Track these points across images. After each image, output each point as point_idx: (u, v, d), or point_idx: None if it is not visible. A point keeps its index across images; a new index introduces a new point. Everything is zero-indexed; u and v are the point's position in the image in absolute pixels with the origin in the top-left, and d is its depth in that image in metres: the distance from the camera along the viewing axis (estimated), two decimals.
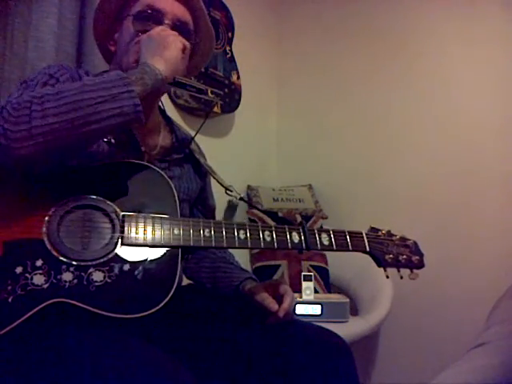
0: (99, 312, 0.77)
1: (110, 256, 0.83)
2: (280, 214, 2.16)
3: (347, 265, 2.13)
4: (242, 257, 2.08)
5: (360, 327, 1.76)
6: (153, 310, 0.80)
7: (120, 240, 0.84)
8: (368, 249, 1.02)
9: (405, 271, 1.07)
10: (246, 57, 2.29)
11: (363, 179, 2.29)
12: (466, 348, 0.82)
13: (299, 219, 2.17)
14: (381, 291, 1.92)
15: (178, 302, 1.02)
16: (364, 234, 1.04)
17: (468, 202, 1.99)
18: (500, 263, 1.87)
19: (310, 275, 1.82)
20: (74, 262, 0.80)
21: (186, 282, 1.19)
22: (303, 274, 1.83)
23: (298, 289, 1.84)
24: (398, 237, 1.09)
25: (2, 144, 0.75)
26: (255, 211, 2.12)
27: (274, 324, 0.98)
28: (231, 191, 1.13)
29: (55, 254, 0.80)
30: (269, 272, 2.00)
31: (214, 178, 1.14)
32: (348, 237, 1.01)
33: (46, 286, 0.77)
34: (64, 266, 0.79)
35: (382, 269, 1.04)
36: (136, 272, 0.83)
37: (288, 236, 0.96)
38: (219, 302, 1.08)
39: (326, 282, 2.05)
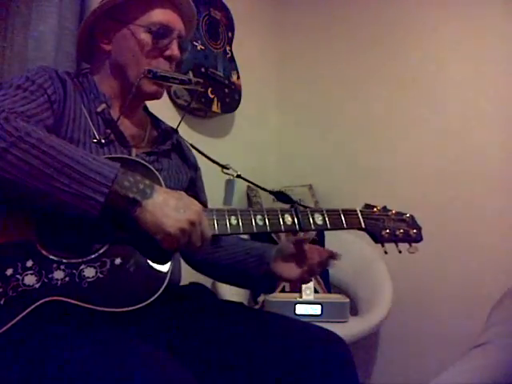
0: (92, 307, 0.77)
1: (101, 251, 0.82)
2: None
3: (347, 265, 2.13)
4: None
5: (360, 327, 1.76)
6: (147, 302, 0.79)
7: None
8: (363, 225, 1.03)
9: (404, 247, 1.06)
10: (246, 57, 2.29)
11: (363, 179, 2.29)
12: (466, 348, 0.82)
13: None
14: (381, 291, 1.92)
15: (178, 300, 1.02)
16: (358, 211, 1.04)
17: (469, 202, 1.99)
18: (500, 263, 1.87)
19: None
20: (65, 260, 0.80)
21: (185, 281, 1.19)
22: None
23: (298, 289, 1.84)
24: (393, 212, 1.09)
25: None
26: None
27: (274, 324, 0.98)
28: (228, 169, 1.14)
29: (45, 253, 0.80)
30: None
31: (208, 157, 1.15)
32: (342, 215, 1.01)
33: (37, 285, 0.77)
34: (55, 265, 0.79)
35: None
36: (128, 265, 0.82)
37: (280, 219, 0.96)
38: (219, 301, 1.08)
39: (326, 282, 2.05)
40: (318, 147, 2.45)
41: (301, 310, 1.72)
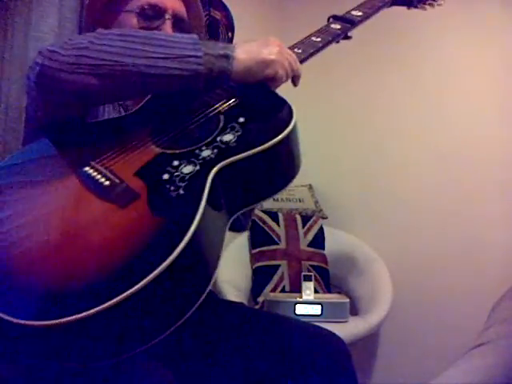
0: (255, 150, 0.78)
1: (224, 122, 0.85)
2: (280, 215, 2.16)
3: (347, 265, 2.13)
4: (242, 257, 2.08)
5: (360, 327, 1.76)
6: None
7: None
8: None
9: None
10: None
11: (363, 179, 2.29)
12: (466, 348, 0.82)
13: (299, 220, 2.17)
14: (381, 291, 1.92)
15: None
16: None
17: (469, 203, 1.99)
18: (500, 264, 1.87)
19: (310, 275, 1.82)
20: (199, 144, 0.81)
21: None
22: (303, 273, 1.83)
23: (298, 289, 1.84)
24: None
25: (45, 65, 0.76)
26: (255, 211, 2.12)
27: (273, 324, 0.98)
28: None
29: (179, 151, 0.81)
30: (269, 272, 2.00)
31: None
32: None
33: (197, 168, 0.77)
34: (197, 151, 0.80)
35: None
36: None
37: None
38: (219, 301, 1.08)
39: (326, 282, 2.05)
40: (317, 147, 2.45)
41: (301, 309, 1.72)
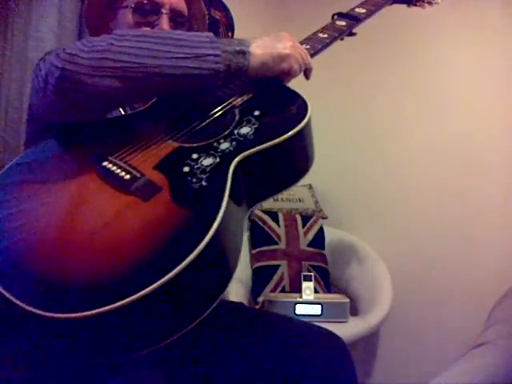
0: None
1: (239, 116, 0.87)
2: (280, 215, 2.16)
3: (347, 265, 2.13)
4: (241, 257, 2.08)
5: (360, 327, 1.76)
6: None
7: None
8: None
9: None
10: None
11: (363, 179, 2.29)
12: (466, 348, 0.82)
13: (299, 220, 2.17)
14: (381, 291, 1.92)
15: None
16: None
17: (469, 203, 1.99)
18: (500, 263, 1.87)
19: (310, 275, 1.82)
20: (217, 137, 0.83)
21: None
22: (303, 273, 1.83)
23: (297, 289, 1.84)
24: None
25: (67, 69, 0.75)
26: (255, 211, 2.12)
27: (273, 324, 0.98)
28: None
29: (196, 144, 0.82)
30: (269, 272, 2.00)
31: None
32: None
33: (217, 160, 0.78)
34: (215, 144, 0.81)
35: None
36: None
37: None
38: (219, 302, 1.08)
39: (326, 282, 2.05)
40: (317, 147, 2.44)
41: (301, 309, 1.72)
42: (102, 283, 0.62)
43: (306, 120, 0.85)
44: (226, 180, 0.74)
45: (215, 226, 0.65)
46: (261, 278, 2.00)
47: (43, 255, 0.66)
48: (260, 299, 1.91)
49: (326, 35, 1.06)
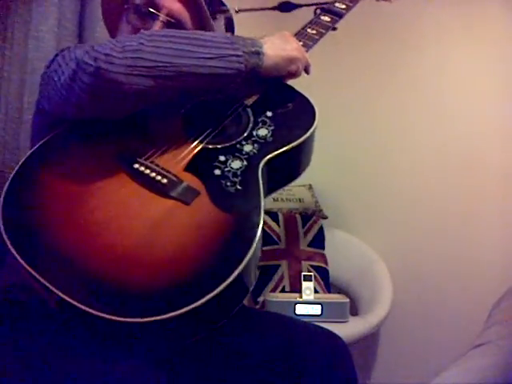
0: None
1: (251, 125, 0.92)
2: (280, 215, 2.16)
3: (347, 265, 2.13)
4: None
5: (360, 327, 1.76)
6: None
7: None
8: None
9: None
10: None
11: (364, 179, 2.29)
12: (466, 348, 0.82)
13: (299, 220, 2.17)
14: (381, 291, 1.92)
15: None
16: None
17: (470, 203, 1.99)
18: (500, 263, 1.87)
19: (310, 275, 1.82)
20: (238, 139, 0.88)
21: None
22: (303, 273, 1.83)
23: (298, 289, 1.84)
24: None
25: (102, 68, 0.75)
26: None
27: (273, 324, 0.98)
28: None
29: (220, 146, 0.87)
30: (269, 272, 2.00)
31: None
32: None
33: (245, 163, 0.83)
34: (238, 145, 0.86)
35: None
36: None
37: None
38: None
39: (326, 282, 2.05)
40: (318, 147, 2.44)
41: (301, 309, 1.72)
42: (170, 291, 0.67)
43: (316, 122, 0.94)
44: (258, 184, 0.80)
45: (259, 233, 0.72)
46: (261, 277, 2.00)
47: (103, 263, 0.69)
48: (260, 299, 1.91)
49: (314, 31, 1.09)
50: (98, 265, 0.68)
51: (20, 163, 0.80)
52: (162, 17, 0.99)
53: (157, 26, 0.98)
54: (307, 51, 1.04)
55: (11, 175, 0.78)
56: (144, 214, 0.76)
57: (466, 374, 0.72)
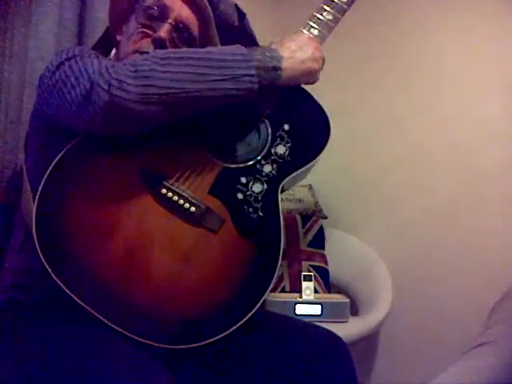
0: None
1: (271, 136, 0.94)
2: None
3: (347, 265, 2.13)
4: None
5: (360, 327, 1.76)
6: None
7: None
8: None
9: None
10: None
11: (364, 179, 2.28)
12: (466, 348, 0.82)
13: (299, 220, 2.17)
14: (380, 291, 1.92)
15: None
16: None
17: (470, 203, 1.99)
18: (501, 263, 1.87)
19: (310, 275, 1.82)
20: (258, 157, 0.91)
21: None
22: (303, 273, 1.83)
23: (298, 289, 1.84)
24: None
25: (117, 95, 0.76)
26: None
27: (273, 324, 0.98)
28: None
29: (242, 165, 0.89)
30: None
31: None
32: None
33: (265, 186, 0.88)
34: (258, 166, 0.90)
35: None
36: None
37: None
38: None
39: (326, 282, 2.05)
40: None
41: (301, 309, 1.72)
42: (206, 318, 0.80)
43: (330, 139, 0.97)
44: (278, 208, 0.87)
45: (280, 260, 0.81)
46: None
47: (144, 298, 0.77)
48: None
49: (330, 16, 1.06)
50: (140, 299, 0.76)
51: (44, 180, 0.81)
52: (171, 20, 0.99)
53: (165, 28, 0.98)
54: (322, 42, 1.04)
55: (38, 192, 0.79)
56: (174, 243, 0.80)
57: (467, 374, 0.72)
